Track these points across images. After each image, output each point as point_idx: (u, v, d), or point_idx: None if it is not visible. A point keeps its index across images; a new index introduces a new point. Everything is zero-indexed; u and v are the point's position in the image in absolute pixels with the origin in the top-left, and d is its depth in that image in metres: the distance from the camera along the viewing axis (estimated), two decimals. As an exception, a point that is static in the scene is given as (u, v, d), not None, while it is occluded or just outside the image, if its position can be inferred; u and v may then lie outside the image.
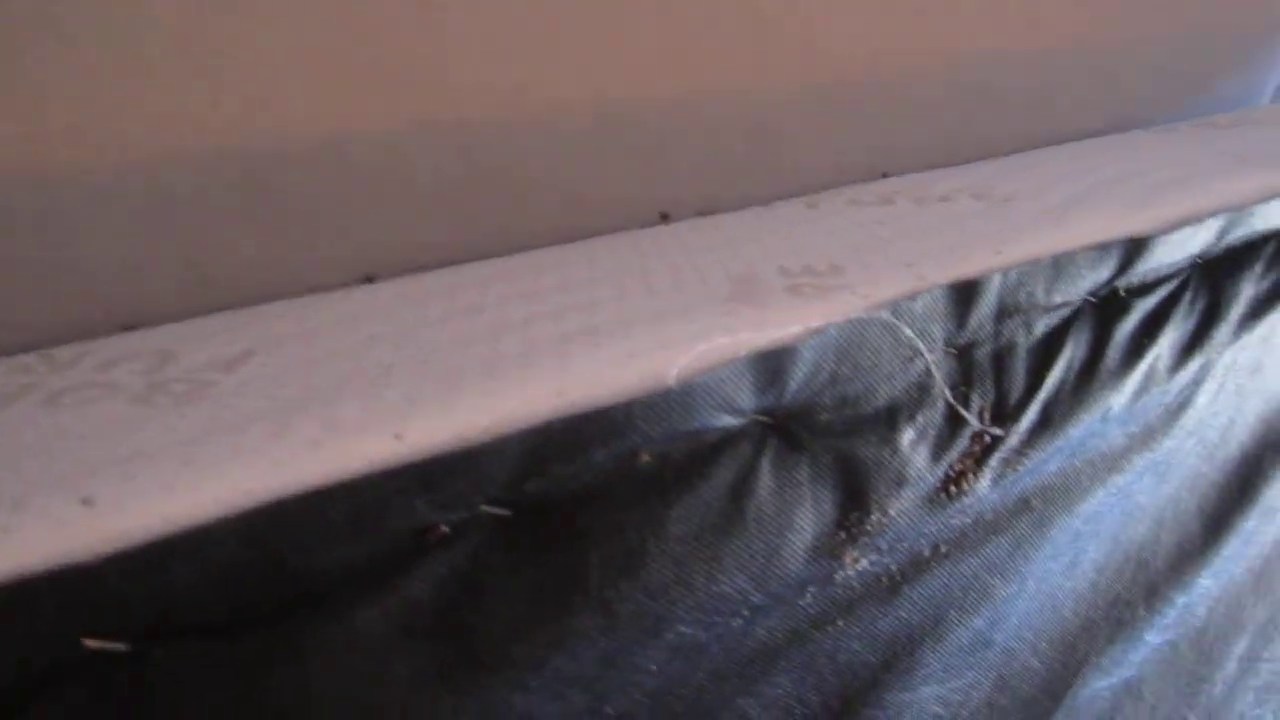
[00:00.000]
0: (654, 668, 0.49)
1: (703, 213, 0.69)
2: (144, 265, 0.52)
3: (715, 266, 0.55)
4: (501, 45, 0.59)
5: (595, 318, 0.48)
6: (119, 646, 0.35)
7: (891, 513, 0.54)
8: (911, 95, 0.81)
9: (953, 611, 0.62)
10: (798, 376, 0.48)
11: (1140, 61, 0.99)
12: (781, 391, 0.48)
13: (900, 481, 0.54)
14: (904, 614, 0.59)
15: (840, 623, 0.56)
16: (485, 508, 0.42)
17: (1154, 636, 0.79)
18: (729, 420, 0.47)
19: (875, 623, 0.58)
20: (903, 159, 0.80)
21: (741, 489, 0.48)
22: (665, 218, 0.69)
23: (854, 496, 0.52)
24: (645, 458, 0.45)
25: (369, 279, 0.58)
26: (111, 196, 0.50)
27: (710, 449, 0.47)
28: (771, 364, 0.47)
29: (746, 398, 0.47)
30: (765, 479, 0.49)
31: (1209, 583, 0.82)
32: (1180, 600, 0.80)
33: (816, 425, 0.50)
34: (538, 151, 0.62)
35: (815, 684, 0.57)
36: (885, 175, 0.79)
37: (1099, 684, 0.76)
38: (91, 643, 0.35)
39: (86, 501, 0.34)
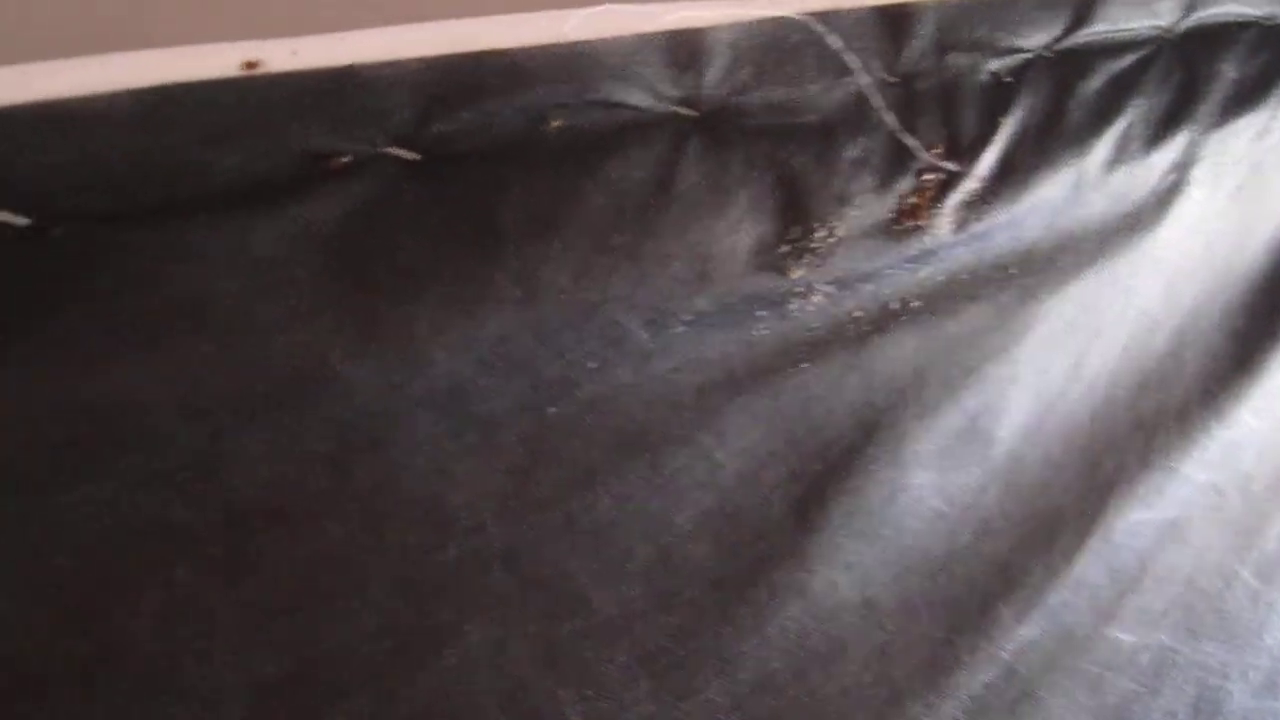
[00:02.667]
0: (590, 363, 0.48)
1: None
2: None
3: None
4: None
5: None
6: (20, 220, 0.36)
7: (840, 234, 0.53)
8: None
9: (935, 382, 0.60)
10: (715, 66, 0.49)
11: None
12: (699, 80, 0.49)
13: (843, 199, 0.53)
14: (878, 370, 0.58)
15: (805, 366, 0.55)
16: (392, 149, 0.42)
17: (1196, 472, 0.75)
18: (644, 100, 0.47)
19: (845, 375, 0.56)
20: None
21: (665, 174, 0.48)
22: None
23: (793, 208, 0.52)
24: (555, 124, 0.45)
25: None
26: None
27: (627, 127, 0.47)
28: (684, 45, 0.48)
29: (659, 77, 0.47)
30: (691, 167, 0.49)
31: (1253, 421, 0.77)
32: (1221, 434, 0.75)
33: (745, 127, 0.50)
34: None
35: (789, 439, 0.55)
36: None
37: (1137, 516, 0.72)
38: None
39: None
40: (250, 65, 0.39)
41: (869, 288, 0.56)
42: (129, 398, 0.38)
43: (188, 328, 0.38)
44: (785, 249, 0.51)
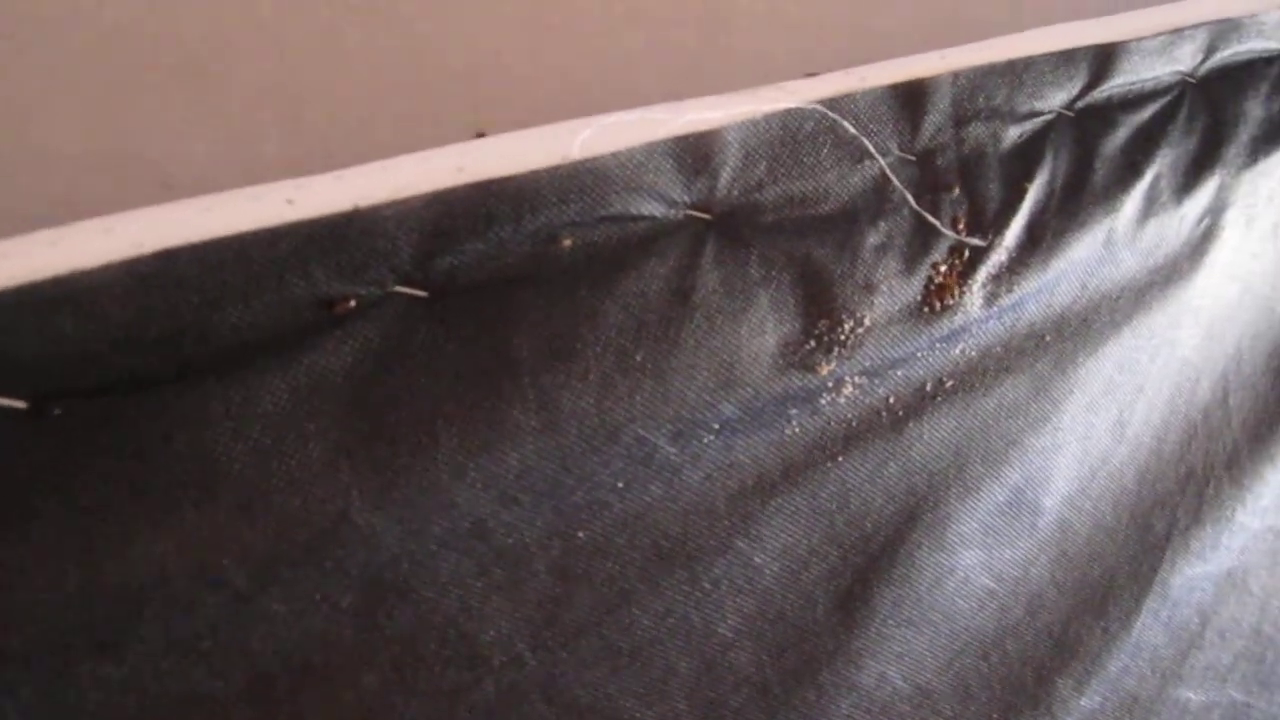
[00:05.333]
0: (619, 483, 0.46)
1: None
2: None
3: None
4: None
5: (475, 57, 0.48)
6: (17, 404, 0.35)
7: (867, 323, 0.51)
8: None
9: (976, 459, 0.58)
10: (729, 166, 0.47)
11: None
12: (713, 183, 0.47)
13: (869, 287, 0.51)
14: (916, 455, 0.55)
15: (841, 459, 0.53)
16: (399, 288, 0.41)
17: (1252, 520, 0.72)
18: (658, 209, 0.46)
19: (883, 464, 0.55)
20: None
21: (683, 283, 0.46)
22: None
23: (818, 301, 0.50)
24: (567, 243, 0.44)
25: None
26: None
27: (641, 239, 0.46)
28: (694, 149, 0.46)
29: (672, 185, 0.46)
30: (709, 274, 0.47)
31: (1307, 463, 0.74)
32: (1274, 477, 0.72)
33: (761, 225, 0.49)
34: None
35: (828, 534, 0.53)
36: None
37: (1194, 570, 0.69)
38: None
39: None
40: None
41: (901, 373, 0.54)
42: (145, 571, 0.37)
43: (200, 495, 0.37)
44: (812, 345, 0.50)
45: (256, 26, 0.56)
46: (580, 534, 0.46)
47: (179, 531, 0.37)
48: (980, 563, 0.60)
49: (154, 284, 0.36)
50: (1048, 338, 0.60)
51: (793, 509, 0.52)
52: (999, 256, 0.56)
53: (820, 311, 0.50)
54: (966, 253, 0.54)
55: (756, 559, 0.52)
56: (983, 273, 0.55)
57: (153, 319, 0.37)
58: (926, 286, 0.53)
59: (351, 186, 0.40)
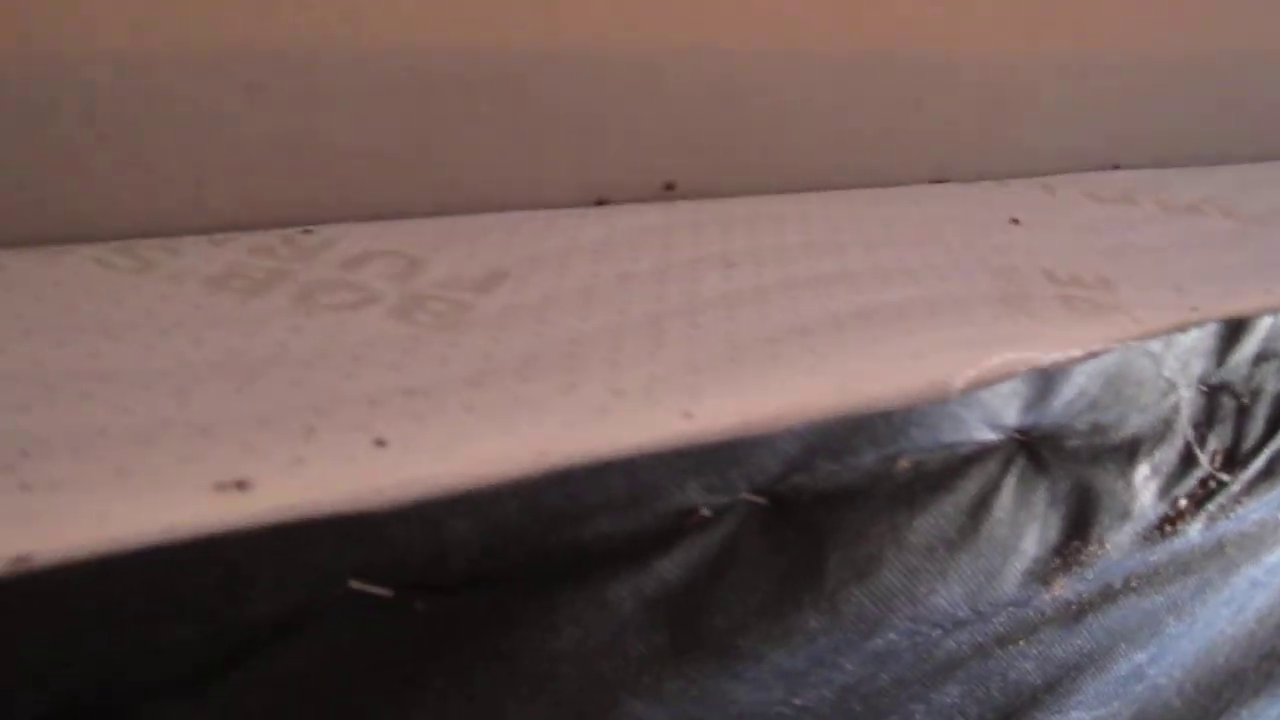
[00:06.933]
0: (851, 668, 0.47)
1: (933, 180, 0.65)
2: (385, 152, 0.49)
3: (968, 250, 0.51)
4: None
5: (863, 298, 0.45)
6: (384, 592, 0.33)
7: (1108, 546, 0.51)
8: (1151, 84, 0.75)
9: (1124, 644, 0.60)
10: (1063, 399, 0.45)
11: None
12: (1044, 412, 0.45)
13: (1125, 516, 0.51)
14: (1080, 642, 0.57)
15: (1022, 644, 0.54)
16: (746, 494, 0.39)
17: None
18: (990, 435, 0.44)
19: (1053, 647, 0.56)
20: (1134, 151, 0.75)
21: (982, 507, 0.46)
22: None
23: (1079, 526, 0.50)
24: (904, 465, 0.42)
25: (600, 201, 0.55)
26: (369, 78, 0.47)
27: (963, 462, 0.44)
28: (1044, 384, 0.44)
29: (1012, 415, 0.44)
30: (1006, 499, 0.46)
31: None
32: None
33: (1063, 449, 0.47)
34: (795, 87, 0.58)
35: (980, 696, 0.55)
36: (1117, 167, 0.74)
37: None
38: (357, 584, 0.33)
39: (379, 443, 0.32)
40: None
41: (1105, 578, 0.55)
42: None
43: (531, 694, 0.37)
44: (1057, 563, 0.50)
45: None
46: (796, 699, 0.47)
47: None
48: (1079, 718, 0.63)
49: (545, 498, 0.34)
50: (1228, 549, 0.61)
51: (965, 677, 0.54)
52: (1234, 489, 0.56)
53: (1077, 534, 0.50)
54: (1212, 484, 0.54)
55: (917, 716, 0.54)
56: (1215, 504, 0.55)
57: (531, 528, 0.35)
58: (1166, 514, 0.53)
59: (742, 403, 0.38)
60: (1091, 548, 0.51)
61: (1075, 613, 0.56)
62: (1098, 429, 0.48)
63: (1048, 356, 0.44)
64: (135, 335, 0.37)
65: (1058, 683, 0.58)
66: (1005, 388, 0.43)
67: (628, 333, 0.40)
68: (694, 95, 0.54)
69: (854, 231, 0.53)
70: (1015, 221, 0.57)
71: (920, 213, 0.57)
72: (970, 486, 0.45)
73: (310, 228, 0.46)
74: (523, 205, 0.51)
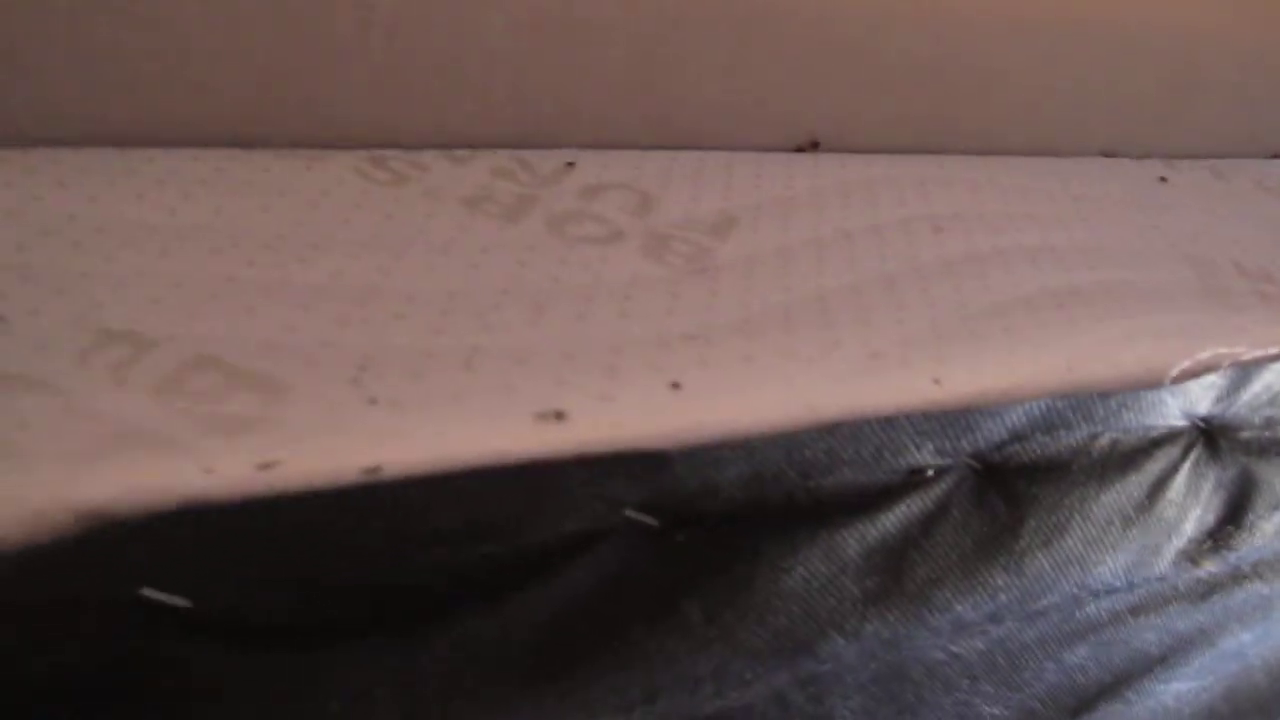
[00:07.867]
0: (1010, 624, 0.50)
1: (1103, 153, 0.66)
2: (612, 82, 0.50)
3: (1160, 236, 0.53)
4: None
5: (1072, 275, 0.46)
6: (652, 522, 0.36)
7: (1255, 533, 0.54)
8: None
9: (1235, 623, 0.63)
10: (1251, 392, 0.47)
11: None
12: (1230, 404, 0.47)
13: (1276, 506, 0.53)
14: (1201, 618, 0.60)
15: (1152, 615, 0.57)
16: (966, 459, 0.41)
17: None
18: (1179, 422, 0.46)
19: (1177, 620, 0.59)
20: None
21: (1160, 487, 0.48)
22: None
23: (1236, 512, 0.52)
24: (1103, 442, 0.44)
25: (806, 146, 0.56)
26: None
27: (1152, 444, 0.46)
28: (1239, 378, 0.46)
29: (1205, 405, 0.46)
30: (1180, 482, 0.48)
31: None
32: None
33: (1237, 440, 0.49)
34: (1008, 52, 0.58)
35: (1104, 659, 0.58)
36: (1277, 156, 0.74)
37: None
38: (630, 513, 0.35)
39: (674, 385, 0.34)
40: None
41: (1236, 563, 0.57)
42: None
43: (759, 623, 0.39)
44: (1209, 545, 0.52)
45: None
46: (954, 647, 0.50)
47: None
48: (1177, 689, 0.66)
49: (805, 448, 0.37)
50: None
51: (1096, 640, 0.57)
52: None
53: (1232, 519, 0.52)
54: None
55: (1048, 674, 0.57)
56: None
57: (786, 475, 0.37)
58: (1309, 508, 0.56)
59: (983, 375, 0.40)
60: (1242, 534, 0.53)
61: (1203, 591, 0.58)
62: (1271, 423, 0.50)
63: (1250, 352, 0.46)
64: (415, 254, 0.39)
65: (1172, 653, 0.61)
66: (1207, 379, 0.44)
67: (868, 292, 0.42)
68: (900, 54, 0.55)
69: (1046, 203, 0.55)
70: (1201, 211, 0.58)
71: (1103, 190, 0.58)
72: (1154, 468, 0.47)
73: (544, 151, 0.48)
74: (733, 145, 0.52)
